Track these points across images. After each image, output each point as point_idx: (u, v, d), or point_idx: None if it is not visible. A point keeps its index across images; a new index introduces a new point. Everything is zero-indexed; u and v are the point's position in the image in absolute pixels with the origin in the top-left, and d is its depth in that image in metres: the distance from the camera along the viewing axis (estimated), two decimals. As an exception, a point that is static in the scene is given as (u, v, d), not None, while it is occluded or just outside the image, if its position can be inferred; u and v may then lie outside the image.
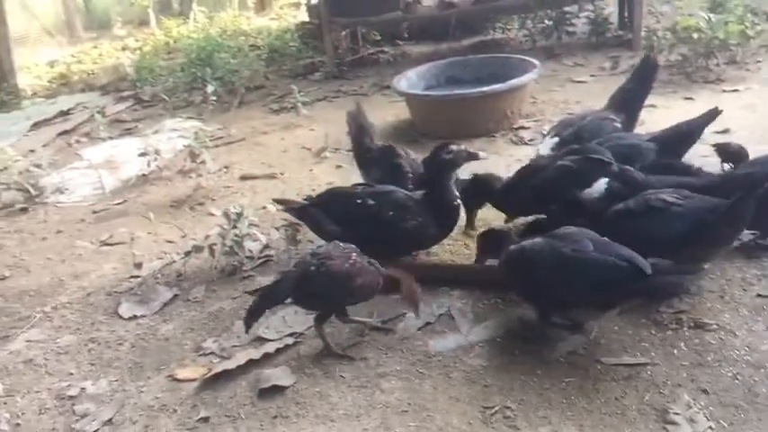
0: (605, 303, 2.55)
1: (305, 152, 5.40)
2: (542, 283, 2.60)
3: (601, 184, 3.03)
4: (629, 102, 3.96)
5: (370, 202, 3.24)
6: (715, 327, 2.66)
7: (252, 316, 2.76)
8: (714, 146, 3.62)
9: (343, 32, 8.14)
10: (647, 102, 4.13)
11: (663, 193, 2.81)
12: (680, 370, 2.47)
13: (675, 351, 2.57)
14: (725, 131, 4.35)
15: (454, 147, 3.22)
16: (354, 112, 4.00)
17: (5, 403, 2.80)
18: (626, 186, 3.01)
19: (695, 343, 2.60)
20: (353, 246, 2.87)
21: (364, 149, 3.90)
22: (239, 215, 3.63)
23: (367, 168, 3.87)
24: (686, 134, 3.47)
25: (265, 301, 2.79)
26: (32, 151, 6.17)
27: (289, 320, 3.11)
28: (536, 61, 5.35)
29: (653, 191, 2.85)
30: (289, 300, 2.85)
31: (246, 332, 2.87)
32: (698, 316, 2.73)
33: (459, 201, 3.24)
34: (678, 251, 2.62)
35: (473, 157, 3.26)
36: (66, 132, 7.03)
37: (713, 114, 3.44)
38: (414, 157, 3.78)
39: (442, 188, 3.18)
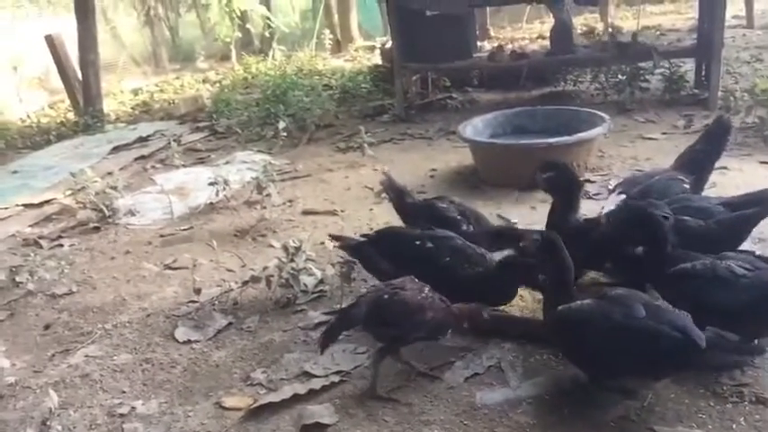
0: (655, 374, 2.45)
1: (367, 191, 5.48)
2: (589, 348, 2.52)
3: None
4: (698, 163, 3.86)
5: (429, 244, 3.25)
6: (778, 403, 2.52)
7: (328, 337, 2.84)
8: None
9: (414, 77, 8.27)
10: (719, 163, 4.01)
11: (732, 261, 2.71)
12: (737, 446, 2.35)
13: (734, 426, 2.45)
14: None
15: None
16: (387, 180, 4.03)
17: (59, 416, 2.89)
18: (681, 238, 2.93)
19: (755, 419, 2.46)
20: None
21: (408, 206, 3.91)
22: (297, 249, 3.70)
23: (414, 222, 3.82)
24: (760, 201, 3.33)
25: (341, 323, 2.86)
26: (110, 173, 6.47)
27: (336, 358, 3.12)
28: (606, 115, 5.29)
29: (724, 260, 2.74)
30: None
31: (321, 353, 2.96)
32: (761, 391, 2.59)
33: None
34: (741, 323, 2.51)
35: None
36: (142, 158, 7.37)
37: None
38: (459, 202, 3.83)
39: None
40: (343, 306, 3.42)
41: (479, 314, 2.89)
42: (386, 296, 2.80)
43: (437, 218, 3.63)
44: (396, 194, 3.97)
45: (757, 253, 2.96)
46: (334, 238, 3.62)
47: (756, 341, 2.77)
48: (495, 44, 9.45)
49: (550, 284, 2.80)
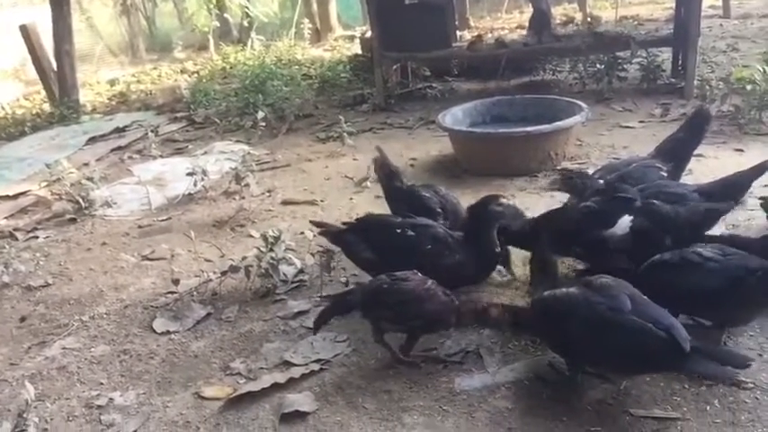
0: (634, 370, 2.46)
1: (347, 181, 5.47)
2: (571, 337, 2.50)
3: (625, 222, 2.99)
4: (677, 151, 3.90)
5: (410, 233, 3.26)
6: (751, 385, 2.55)
7: (321, 320, 2.94)
8: (761, 199, 3.52)
9: (394, 66, 8.26)
10: (696, 151, 4.06)
11: (704, 248, 2.74)
12: (711, 428, 2.39)
13: (708, 407, 2.48)
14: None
15: (504, 200, 3.25)
16: (380, 159, 4.06)
17: (36, 408, 2.86)
18: (652, 221, 2.96)
19: (729, 401, 2.50)
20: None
21: (395, 189, 3.95)
22: (277, 239, 3.68)
23: (395, 207, 3.90)
24: (734, 187, 3.38)
25: (334, 308, 2.94)
26: (86, 165, 6.39)
27: (316, 346, 3.12)
28: (584, 104, 5.32)
29: (694, 247, 2.77)
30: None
31: (314, 333, 3.09)
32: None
33: (498, 249, 3.24)
34: (711, 308, 2.54)
35: (521, 215, 3.32)
36: (119, 148, 7.29)
37: (762, 168, 3.36)
38: (444, 193, 3.83)
39: (485, 237, 3.18)
40: (331, 294, 3.50)
41: (490, 311, 2.86)
42: (385, 285, 2.84)
43: (417, 206, 3.65)
44: (385, 174, 3.99)
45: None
46: (315, 224, 3.61)
47: (726, 328, 2.81)
48: (475, 34, 9.47)
49: (533, 271, 2.84)
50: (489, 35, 10.01)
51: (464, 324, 2.95)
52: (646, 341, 2.31)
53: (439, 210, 3.65)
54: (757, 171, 3.37)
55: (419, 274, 2.91)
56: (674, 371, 2.44)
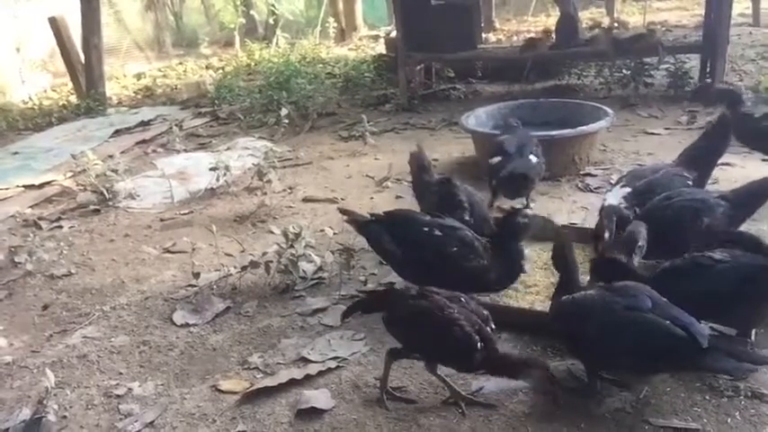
0: (653, 369, 2.44)
1: (368, 180, 5.47)
2: (589, 339, 2.49)
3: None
4: (701, 159, 3.86)
5: (437, 232, 3.24)
6: (774, 399, 2.52)
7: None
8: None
9: (418, 67, 8.24)
10: (723, 160, 4.00)
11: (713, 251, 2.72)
12: (732, 440, 2.36)
13: (729, 420, 2.45)
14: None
15: (530, 212, 3.25)
16: (416, 153, 4.10)
17: (55, 395, 2.89)
18: None
19: (751, 413, 2.47)
20: (482, 310, 2.67)
21: (424, 183, 3.99)
22: (297, 235, 3.69)
23: (425, 198, 3.92)
24: (757, 194, 3.33)
25: (359, 305, 2.94)
26: (111, 157, 6.43)
27: (333, 344, 3.13)
28: (609, 110, 5.27)
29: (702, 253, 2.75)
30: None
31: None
32: (757, 386, 2.59)
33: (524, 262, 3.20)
34: (727, 311, 2.51)
35: (549, 223, 3.32)
36: (144, 142, 7.36)
37: None
38: (470, 191, 3.80)
39: (511, 248, 3.14)
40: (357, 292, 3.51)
41: (532, 371, 2.50)
42: (410, 300, 2.69)
43: (445, 199, 3.65)
44: (417, 168, 4.04)
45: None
46: (343, 212, 3.58)
47: (753, 334, 2.77)
48: (533, 35, 9.29)
49: (559, 281, 2.80)
50: (515, 38, 9.96)
51: (499, 374, 2.61)
52: (664, 338, 2.32)
53: (466, 205, 3.62)
54: None
55: (463, 299, 2.67)
56: (692, 368, 2.42)
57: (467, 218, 3.52)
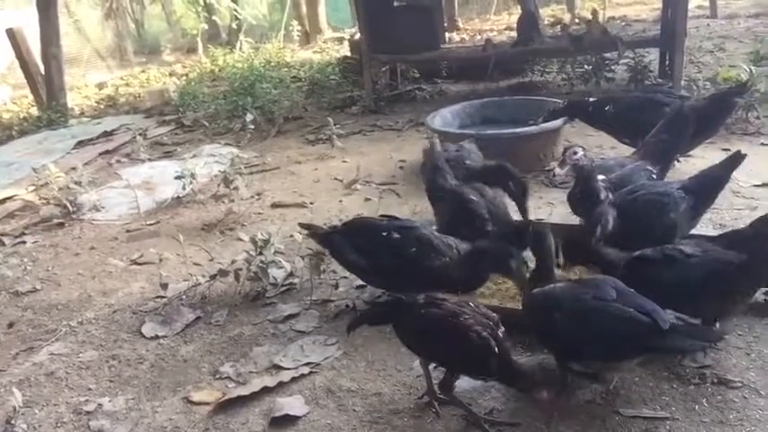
0: (619, 356, 2.48)
1: (336, 183, 5.46)
2: (558, 328, 2.53)
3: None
4: (663, 152, 3.92)
5: (396, 235, 3.23)
6: (739, 384, 2.57)
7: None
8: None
9: (383, 68, 8.26)
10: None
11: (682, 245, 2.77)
12: (700, 427, 2.40)
13: (697, 407, 2.50)
14: (764, 185, 4.28)
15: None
16: (429, 150, 3.94)
17: (23, 414, 2.84)
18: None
19: (718, 400, 2.52)
20: (491, 313, 2.59)
21: (437, 188, 3.76)
22: (266, 242, 3.67)
23: (438, 208, 3.76)
24: (714, 180, 3.40)
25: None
26: (74, 169, 6.33)
27: (306, 350, 3.12)
28: (572, 105, 5.33)
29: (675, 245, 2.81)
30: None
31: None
32: (722, 372, 2.65)
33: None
34: (695, 303, 2.57)
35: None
36: (107, 152, 7.25)
37: (737, 158, 3.36)
38: (492, 196, 3.58)
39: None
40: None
41: (542, 394, 2.40)
42: (421, 309, 2.60)
43: (461, 210, 3.51)
44: (431, 167, 3.84)
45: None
46: (303, 226, 3.60)
47: (717, 324, 2.83)
48: (483, 36, 9.40)
49: (533, 273, 2.83)
50: (478, 37, 10.04)
51: (518, 387, 2.50)
52: (628, 323, 2.37)
53: (486, 216, 3.44)
54: (733, 162, 3.37)
55: (472, 303, 2.62)
56: (656, 350, 2.46)
57: (489, 228, 3.38)
